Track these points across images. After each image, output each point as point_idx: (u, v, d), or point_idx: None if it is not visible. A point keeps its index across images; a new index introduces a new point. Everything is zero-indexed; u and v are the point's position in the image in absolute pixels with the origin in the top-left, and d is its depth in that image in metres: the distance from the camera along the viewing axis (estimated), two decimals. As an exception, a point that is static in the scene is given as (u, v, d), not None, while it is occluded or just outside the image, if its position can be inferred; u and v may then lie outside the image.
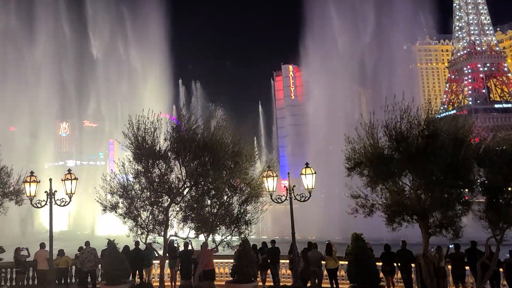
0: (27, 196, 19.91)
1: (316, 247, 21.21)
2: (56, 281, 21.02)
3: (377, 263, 19.99)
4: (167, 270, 22.77)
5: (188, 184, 18.19)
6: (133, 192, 18.75)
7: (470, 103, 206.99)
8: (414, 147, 15.85)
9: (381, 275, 20.16)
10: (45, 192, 19.94)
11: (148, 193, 18.46)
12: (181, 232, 18.91)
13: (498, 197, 16.24)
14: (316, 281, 20.68)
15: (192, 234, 18.61)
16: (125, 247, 21.61)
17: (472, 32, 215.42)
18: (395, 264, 20.19)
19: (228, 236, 18.27)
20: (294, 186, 20.05)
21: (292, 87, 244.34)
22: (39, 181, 20.28)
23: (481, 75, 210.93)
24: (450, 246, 19.32)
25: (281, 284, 21.89)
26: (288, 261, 22.51)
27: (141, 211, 18.68)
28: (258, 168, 20.63)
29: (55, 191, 20.17)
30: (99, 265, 22.22)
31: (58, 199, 19.74)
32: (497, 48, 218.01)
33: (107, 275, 20.24)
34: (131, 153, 19.17)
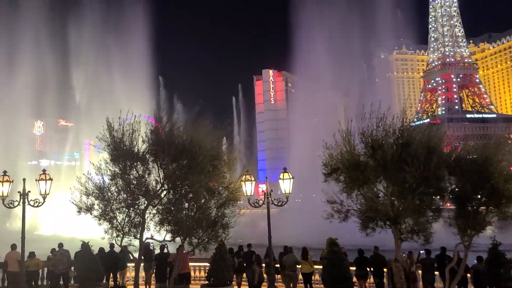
0: (-1, 196, 19.46)
1: (291, 251, 21.46)
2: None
3: (351, 268, 20.38)
4: (142, 273, 22.62)
5: (166, 187, 18.15)
6: (109, 193, 18.56)
7: (443, 112, 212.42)
8: (389, 155, 16.25)
9: (355, 279, 20.56)
10: (18, 192, 19.56)
11: (125, 195, 18.31)
12: (158, 235, 18.82)
13: (467, 205, 16.83)
14: (291, 285, 20.92)
15: (168, 237, 18.54)
16: (100, 250, 21.37)
17: (446, 43, 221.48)
18: (368, 269, 20.62)
19: (205, 239, 18.28)
20: (271, 190, 20.27)
21: (272, 92, 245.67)
22: (12, 181, 19.87)
23: (454, 86, 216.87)
24: (421, 251, 19.85)
25: (256, 288, 22.02)
26: (263, 265, 22.67)
27: (117, 213, 18.50)
28: (237, 170, 20.73)
29: (29, 191, 19.81)
30: (72, 268, 21.88)
31: (31, 200, 19.39)
32: (470, 60, 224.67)
33: (80, 277, 19.95)
34: (108, 154, 19.00)
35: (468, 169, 16.64)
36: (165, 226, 18.01)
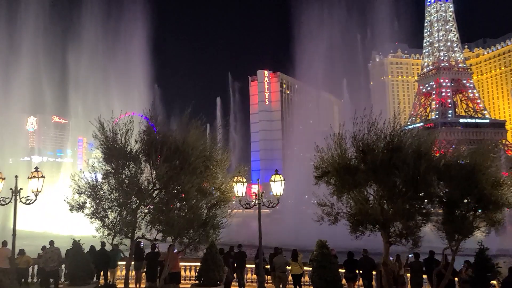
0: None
1: (281, 252, 21.62)
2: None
3: (340, 270, 20.57)
4: (132, 272, 22.66)
5: (158, 187, 18.23)
6: (102, 192, 18.60)
7: (437, 116, 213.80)
8: (379, 159, 16.45)
9: (344, 281, 20.76)
10: (10, 189, 19.57)
11: (117, 194, 18.36)
12: (149, 234, 18.90)
13: (455, 210, 17.07)
14: (281, 286, 21.07)
15: (159, 236, 18.63)
16: (91, 248, 21.42)
17: (441, 48, 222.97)
18: (357, 271, 20.82)
19: (196, 239, 18.38)
20: (263, 192, 20.42)
21: (266, 93, 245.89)
22: (4, 178, 19.87)
23: (448, 90, 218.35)
24: (410, 255, 20.09)
25: (246, 288, 22.18)
26: (254, 265, 22.83)
27: (109, 212, 18.55)
28: (230, 170, 20.83)
29: (21, 188, 19.82)
30: (63, 265, 21.89)
31: (23, 197, 19.41)
32: (464, 65, 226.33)
33: (70, 275, 19.98)
34: (101, 153, 19.06)
35: (457, 175, 16.86)
36: (156, 226, 18.08)
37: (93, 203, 18.54)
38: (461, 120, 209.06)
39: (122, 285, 20.07)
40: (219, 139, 19.94)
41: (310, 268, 20.47)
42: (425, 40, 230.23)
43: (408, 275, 20.67)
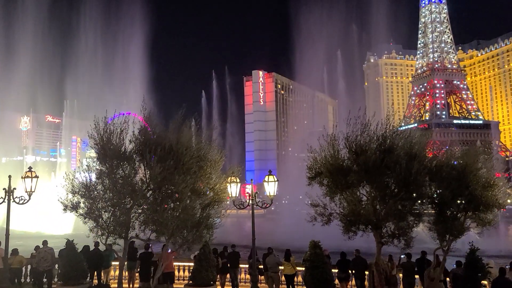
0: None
1: (272, 252, 21.71)
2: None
3: (333, 270, 20.70)
4: (126, 272, 22.67)
5: (152, 187, 18.27)
6: (96, 192, 18.62)
7: (431, 117, 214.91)
8: (372, 161, 16.60)
9: (337, 281, 20.90)
10: (4, 189, 19.52)
11: (111, 194, 18.38)
12: (143, 234, 18.93)
13: (446, 211, 17.26)
14: (274, 286, 21.18)
15: (153, 236, 18.67)
16: (85, 247, 21.41)
17: (435, 49, 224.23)
18: (350, 271, 20.96)
19: (189, 239, 18.44)
20: (256, 192, 20.52)
21: (261, 93, 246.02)
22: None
23: (441, 92, 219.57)
24: (402, 256, 20.26)
25: (239, 288, 22.25)
26: (247, 265, 22.92)
27: (103, 212, 18.57)
28: (224, 170, 20.90)
29: (14, 188, 19.77)
30: (56, 265, 21.86)
31: (17, 197, 19.37)
32: (458, 66, 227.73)
33: (63, 275, 19.96)
34: (95, 153, 19.08)
35: (448, 176, 17.07)
36: (150, 226, 18.12)
37: (87, 203, 18.54)
38: (454, 121, 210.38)
39: (116, 285, 20.09)
40: (214, 139, 20.01)
41: (303, 268, 20.60)
42: (419, 42, 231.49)
43: (401, 275, 20.84)
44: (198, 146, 18.70)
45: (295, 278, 21.83)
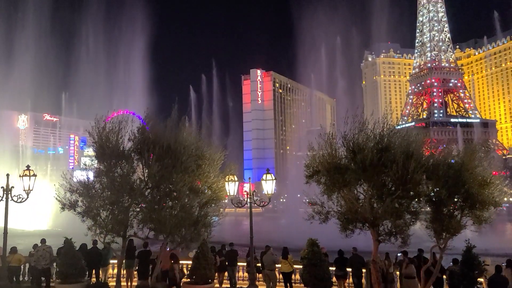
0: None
1: (269, 250, 21.80)
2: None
3: (331, 268, 20.81)
4: (124, 270, 22.73)
5: (150, 185, 18.33)
6: (94, 191, 18.67)
7: (428, 116, 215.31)
8: (369, 159, 16.69)
9: (334, 279, 21.01)
10: (1, 187, 19.54)
11: (109, 193, 18.43)
12: (141, 232, 19.00)
13: (442, 209, 17.38)
14: (271, 284, 21.27)
15: (151, 235, 18.74)
16: (82, 246, 21.46)
17: (432, 48, 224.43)
18: (347, 269, 21.08)
19: (188, 238, 18.51)
20: (254, 191, 20.61)
21: (259, 92, 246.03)
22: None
23: (439, 90, 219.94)
24: (398, 254, 20.39)
25: (237, 286, 22.34)
26: (245, 263, 23.00)
27: (101, 210, 18.62)
28: (222, 169, 20.96)
29: (12, 186, 19.79)
30: (54, 263, 21.90)
31: (14, 195, 19.39)
32: (455, 65, 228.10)
33: (62, 273, 20.01)
34: (94, 151, 19.12)
35: (445, 174, 17.18)
36: (148, 224, 18.19)
37: (84, 201, 18.59)
38: (452, 120, 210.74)
39: (114, 283, 20.16)
40: (212, 137, 20.08)
41: (301, 266, 20.70)
42: (417, 40, 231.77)
43: (397, 272, 20.96)
44: (197, 145, 18.76)
45: (293, 276, 21.94)
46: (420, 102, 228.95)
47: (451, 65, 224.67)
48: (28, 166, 20.31)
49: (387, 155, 16.77)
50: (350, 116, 17.94)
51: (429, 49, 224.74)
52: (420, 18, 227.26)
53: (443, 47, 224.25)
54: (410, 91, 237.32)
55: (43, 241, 21.73)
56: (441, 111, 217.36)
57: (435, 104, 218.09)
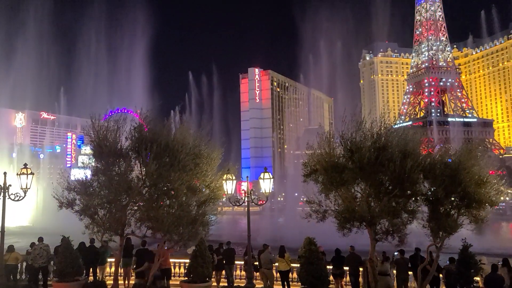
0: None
1: (267, 249, 21.84)
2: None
3: (328, 266, 20.87)
4: (121, 269, 22.74)
5: (148, 184, 18.34)
6: (91, 189, 18.66)
7: (425, 115, 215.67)
8: (366, 158, 16.75)
9: (331, 278, 21.07)
10: (-1, 186, 19.50)
11: (107, 191, 18.43)
12: (138, 231, 19.01)
13: (439, 208, 17.45)
14: (268, 282, 21.32)
15: (149, 233, 18.75)
16: (81, 244, 21.46)
17: (430, 47, 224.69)
18: (344, 268, 21.15)
19: (185, 236, 18.54)
20: (252, 190, 20.63)
21: (257, 90, 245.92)
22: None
23: (436, 89, 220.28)
24: (395, 253, 20.47)
25: (234, 284, 22.37)
26: (243, 262, 23.05)
27: (99, 209, 18.62)
28: (219, 168, 21.00)
29: (9, 185, 19.76)
30: (52, 262, 21.88)
31: (12, 194, 19.37)
32: (453, 64, 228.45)
33: (59, 272, 20.01)
34: (91, 150, 19.12)
35: (442, 173, 17.25)
36: (146, 223, 18.20)
37: (82, 200, 18.59)
38: (449, 119, 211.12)
39: (111, 282, 20.17)
40: (210, 136, 20.07)
41: (298, 265, 20.75)
42: (414, 40, 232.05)
43: (394, 271, 21.04)
44: (194, 143, 18.78)
45: (290, 275, 21.99)
46: (418, 101, 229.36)
47: (449, 65, 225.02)
48: (25, 165, 20.30)
49: (384, 154, 16.83)
50: (347, 115, 18.00)
51: (426, 48, 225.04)
52: (418, 17, 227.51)
53: (441, 47, 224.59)
54: (407, 90, 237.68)
55: (40, 239, 21.72)
56: (438, 110, 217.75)
57: (432, 103, 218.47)
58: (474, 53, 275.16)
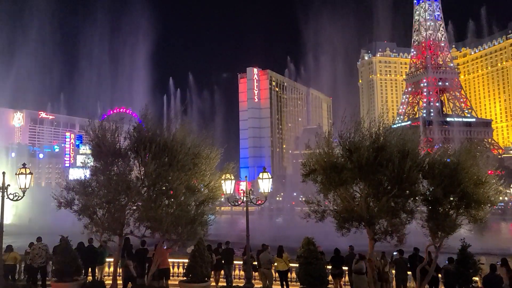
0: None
1: (266, 249, 21.85)
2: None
3: (327, 266, 20.88)
4: (120, 269, 22.71)
5: (146, 184, 18.33)
6: (90, 189, 18.64)
7: (424, 115, 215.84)
8: (365, 158, 16.76)
9: (330, 277, 21.07)
10: (-3, 186, 19.43)
11: (106, 191, 18.41)
12: (137, 231, 18.99)
13: (438, 208, 17.46)
14: (267, 282, 21.32)
15: (148, 233, 18.74)
16: (79, 244, 21.43)
17: (429, 47, 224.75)
18: (343, 268, 21.15)
19: (184, 236, 18.53)
20: (251, 189, 20.62)
21: (255, 90, 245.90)
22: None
23: (435, 89, 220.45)
24: (394, 253, 20.48)
25: (233, 284, 22.36)
26: (241, 262, 23.04)
27: (97, 209, 18.60)
28: (218, 168, 21.00)
29: (8, 185, 19.71)
30: (50, 262, 21.85)
31: (10, 193, 19.32)
32: (452, 64, 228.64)
33: (58, 271, 19.98)
34: (90, 149, 19.10)
35: (440, 173, 17.26)
36: (145, 222, 18.19)
37: (81, 200, 18.57)
38: (448, 119, 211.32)
39: (110, 282, 20.15)
40: (208, 136, 20.04)
41: (297, 265, 20.75)
42: (413, 39, 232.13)
43: (394, 271, 21.06)
44: (193, 143, 18.77)
45: (289, 274, 21.98)
46: (416, 101, 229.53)
47: (447, 65, 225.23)
48: (24, 164, 20.25)
49: (383, 154, 16.85)
50: (346, 115, 18.00)
51: (425, 48, 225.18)
52: (417, 17, 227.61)
53: (439, 47, 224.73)
54: (406, 90, 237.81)
55: (39, 239, 21.69)
56: (437, 110, 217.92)
57: (431, 103, 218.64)
58: (473, 53, 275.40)
